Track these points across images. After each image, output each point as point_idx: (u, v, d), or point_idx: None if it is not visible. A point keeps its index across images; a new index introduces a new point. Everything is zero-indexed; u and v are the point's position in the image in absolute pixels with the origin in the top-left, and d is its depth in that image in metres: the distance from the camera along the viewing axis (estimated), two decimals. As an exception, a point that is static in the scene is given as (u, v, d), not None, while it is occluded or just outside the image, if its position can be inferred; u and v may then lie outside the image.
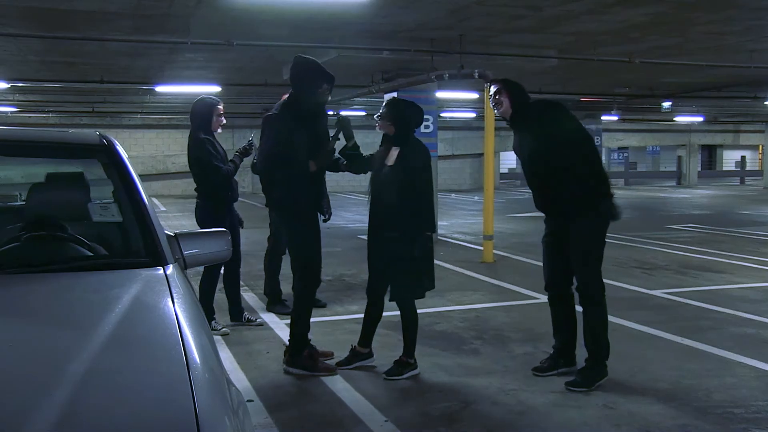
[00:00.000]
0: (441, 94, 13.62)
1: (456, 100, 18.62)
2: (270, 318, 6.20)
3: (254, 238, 9.84)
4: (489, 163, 9.68)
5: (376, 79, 12.72)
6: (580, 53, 10.72)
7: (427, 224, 4.60)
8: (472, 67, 10.06)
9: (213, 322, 5.71)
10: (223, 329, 5.69)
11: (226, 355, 5.04)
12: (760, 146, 36.95)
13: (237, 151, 5.83)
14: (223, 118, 5.78)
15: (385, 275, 4.64)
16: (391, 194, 4.50)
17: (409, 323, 4.71)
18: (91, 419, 1.48)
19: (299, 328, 4.74)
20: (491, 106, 4.67)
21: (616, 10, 8.24)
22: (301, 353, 4.72)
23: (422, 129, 12.20)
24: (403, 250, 4.50)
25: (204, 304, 5.81)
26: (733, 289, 7.51)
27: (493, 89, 4.59)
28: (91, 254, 2.69)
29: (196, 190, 5.78)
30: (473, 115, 21.52)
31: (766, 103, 18.08)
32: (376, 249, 4.69)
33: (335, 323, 5.97)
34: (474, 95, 14.50)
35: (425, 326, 5.73)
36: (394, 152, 4.59)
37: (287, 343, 4.86)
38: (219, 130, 5.78)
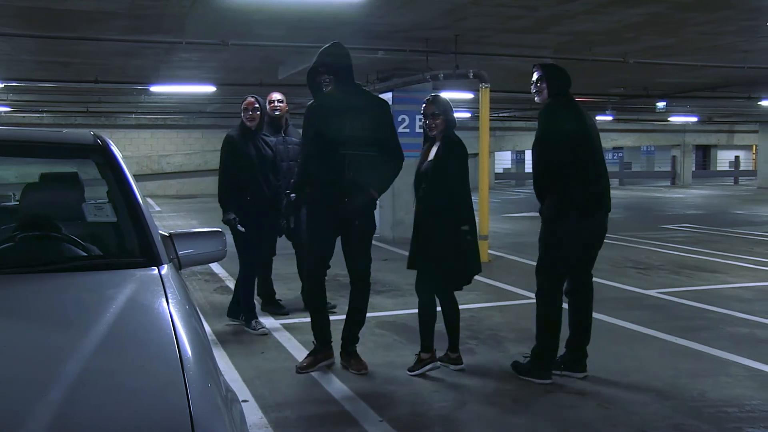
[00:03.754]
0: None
1: (451, 101, 18.60)
2: (265, 319, 6.18)
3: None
4: (484, 163, 9.68)
5: (371, 79, 12.71)
6: (575, 53, 10.72)
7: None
8: (468, 68, 10.06)
9: (254, 321, 5.75)
10: (261, 329, 5.70)
11: (221, 355, 5.04)
12: (754, 146, 37.05)
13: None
14: (250, 111, 5.75)
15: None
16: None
17: (446, 313, 4.79)
18: (86, 420, 1.48)
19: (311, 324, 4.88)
20: (533, 92, 4.63)
21: (612, 10, 8.25)
22: (316, 349, 4.82)
23: (417, 128, 12.26)
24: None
25: (245, 304, 5.83)
26: (727, 289, 7.53)
27: (535, 75, 4.59)
28: (85, 254, 2.68)
29: None
30: (468, 115, 21.52)
31: (759, 103, 18.13)
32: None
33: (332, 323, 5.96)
34: (469, 95, 14.49)
35: (420, 326, 5.74)
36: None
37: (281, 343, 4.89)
38: (250, 124, 5.76)
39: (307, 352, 4.91)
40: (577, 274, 4.58)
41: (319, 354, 4.79)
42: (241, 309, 5.88)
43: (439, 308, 4.77)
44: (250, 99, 5.80)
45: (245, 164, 5.68)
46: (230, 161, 5.77)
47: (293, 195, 4.86)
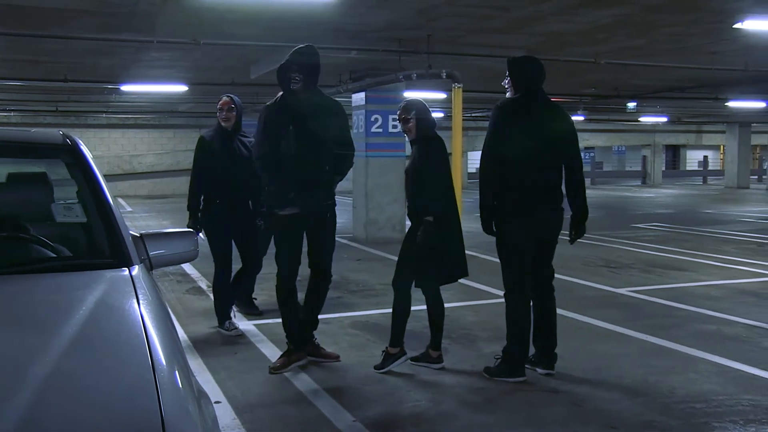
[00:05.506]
0: (409, 94, 13.65)
1: (424, 101, 18.65)
2: (238, 320, 6.13)
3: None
4: (456, 163, 9.71)
5: (344, 79, 12.70)
6: (547, 54, 10.78)
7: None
8: (440, 68, 10.08)
9: (227, 322, 5.71)
10: (235, 329, 5.67)
11: (193, 356, 5.01)
12: (722, 146, 37.65)
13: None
14: (225, 111, 5.66)
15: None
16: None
17: (431, 310, 4.81)
18: (55, 423, 1.46)
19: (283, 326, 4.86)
20: (506, 89, 4.70)
21: (583, 12, 8.33)
22: (289, 349, 4.79)
23: (390, 128, 12.26)
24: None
25: (218, 306, 5.79)
26: (696, 287, 7.64)
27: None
28: (54, 255, 2.64)
29: None
30: (441, 115, 21.60)
31: (726, 104, 18.41)
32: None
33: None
34: (442, 95, 14.53)
35: (394, 326, 5.75)
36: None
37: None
38: (225, 125, 5.68)
39: (281, 353, 4.91)
40: (536, 271, 4.65)
41: (293, 355, 4.78)
42: (216, 310, 5.84)
43: (424, 306, 4.80)
44: (225, 99, 5.73)
45: (217, 166, 5.61)
46: (201, 163, 5.71)
47: (281, 209, 4.72)
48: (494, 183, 4.53)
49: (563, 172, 4.61)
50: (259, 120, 4.79)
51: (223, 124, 5.68)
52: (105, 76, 13.93)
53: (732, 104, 18.37)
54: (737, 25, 8.79)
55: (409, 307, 4.77)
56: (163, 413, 1.49)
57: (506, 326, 4.62)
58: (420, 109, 4.81)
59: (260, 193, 5.80)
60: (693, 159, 42.32)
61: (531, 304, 4.69)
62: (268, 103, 4.81)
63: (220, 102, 5.71)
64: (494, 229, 4.61)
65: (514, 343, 4.56)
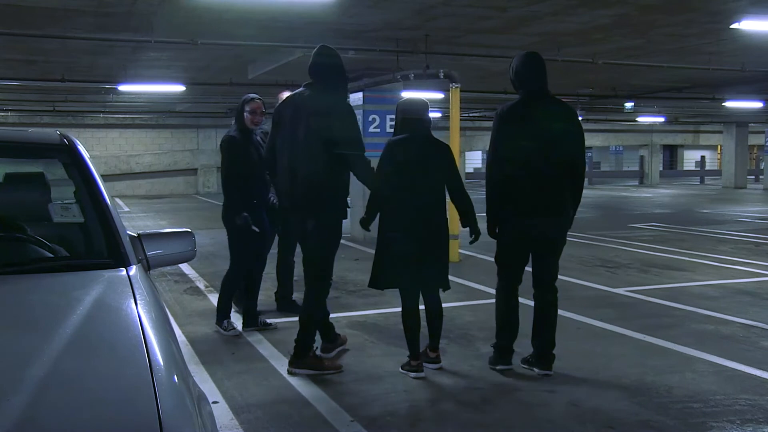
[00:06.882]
0: (406, 94, 13.65)
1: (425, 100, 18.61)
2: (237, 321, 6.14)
3: (219, 238, 9.74)
4: (455, 163, 9.69)
5: (342, 79, 12.69)
6: (544, 54, 10.66)
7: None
8: (438, 67, 10.09)
9: (225, 322, 5.69)
10: (232, 330, 5.65)
11: (191, 356, 5.00)
12: (719, 146, 37.69)
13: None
14: (257, 115, 5.62)
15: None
16: None
17: (429, 311, 4.89)
18: (52, 424, 1.46)
19: (308, 331, 4.70)
20: None
21: (580, 12, 8.33)
22: (307, 354, 4.70)
23: (388, 128, 12.25)
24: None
25: (223, 303, 5.77)
26: (693, 287, 7.65)
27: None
28: (51, 255, 2.64)
29: None
30: (438, 114, 21.62)
31: (723, 104, 18.43)
32: None
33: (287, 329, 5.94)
34: (439, 95, 14.54)
35: (391, 326, 5.76)
36: None
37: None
38: (252, 127, 5.64)
39: (278, 353, 4.88)
40: (535, 272, 4.71)
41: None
42: (218, 308, 5.81)
43: (422, 306, 4.81)
44: (258, 101, 5.68)
45: (250, 165, 5.59)
46: (236, 162, 5.62)
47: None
48: (499, 185, 4.60)
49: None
50: (351, 115, 4.59)
51: (252, 126, 5.65)
52: (102, 75, 13.92)
53: (729, 104, 18.39)
54: (734, 26, 8.80)
55: (412, 310, 4.75)
56: (160, 413, 1.49)
57: (495, 318, 4.79)
58: (401, 108, 4.78)
59: (268, 193, 5.80)
60: (690, 159, 42.37)
61: (533, 303, 4.77)
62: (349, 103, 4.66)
63: (254, 104, 5.63)
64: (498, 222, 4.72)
65: (499, 331, 4.74)
